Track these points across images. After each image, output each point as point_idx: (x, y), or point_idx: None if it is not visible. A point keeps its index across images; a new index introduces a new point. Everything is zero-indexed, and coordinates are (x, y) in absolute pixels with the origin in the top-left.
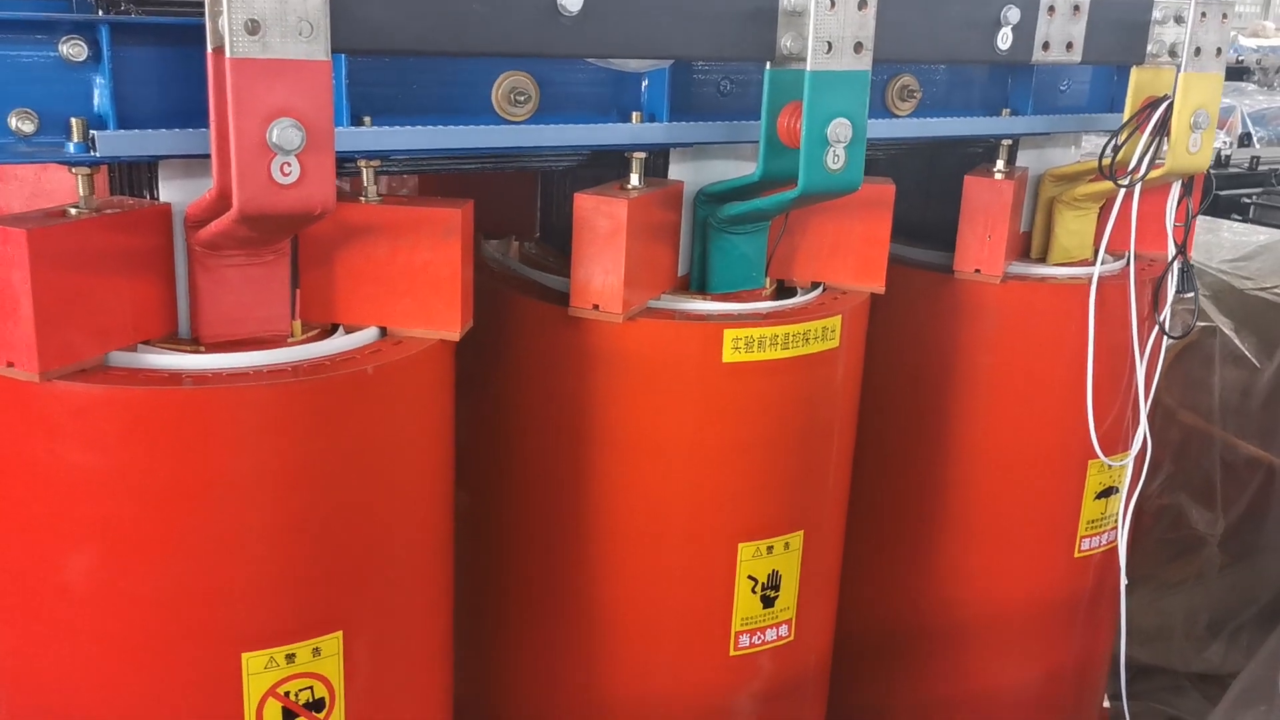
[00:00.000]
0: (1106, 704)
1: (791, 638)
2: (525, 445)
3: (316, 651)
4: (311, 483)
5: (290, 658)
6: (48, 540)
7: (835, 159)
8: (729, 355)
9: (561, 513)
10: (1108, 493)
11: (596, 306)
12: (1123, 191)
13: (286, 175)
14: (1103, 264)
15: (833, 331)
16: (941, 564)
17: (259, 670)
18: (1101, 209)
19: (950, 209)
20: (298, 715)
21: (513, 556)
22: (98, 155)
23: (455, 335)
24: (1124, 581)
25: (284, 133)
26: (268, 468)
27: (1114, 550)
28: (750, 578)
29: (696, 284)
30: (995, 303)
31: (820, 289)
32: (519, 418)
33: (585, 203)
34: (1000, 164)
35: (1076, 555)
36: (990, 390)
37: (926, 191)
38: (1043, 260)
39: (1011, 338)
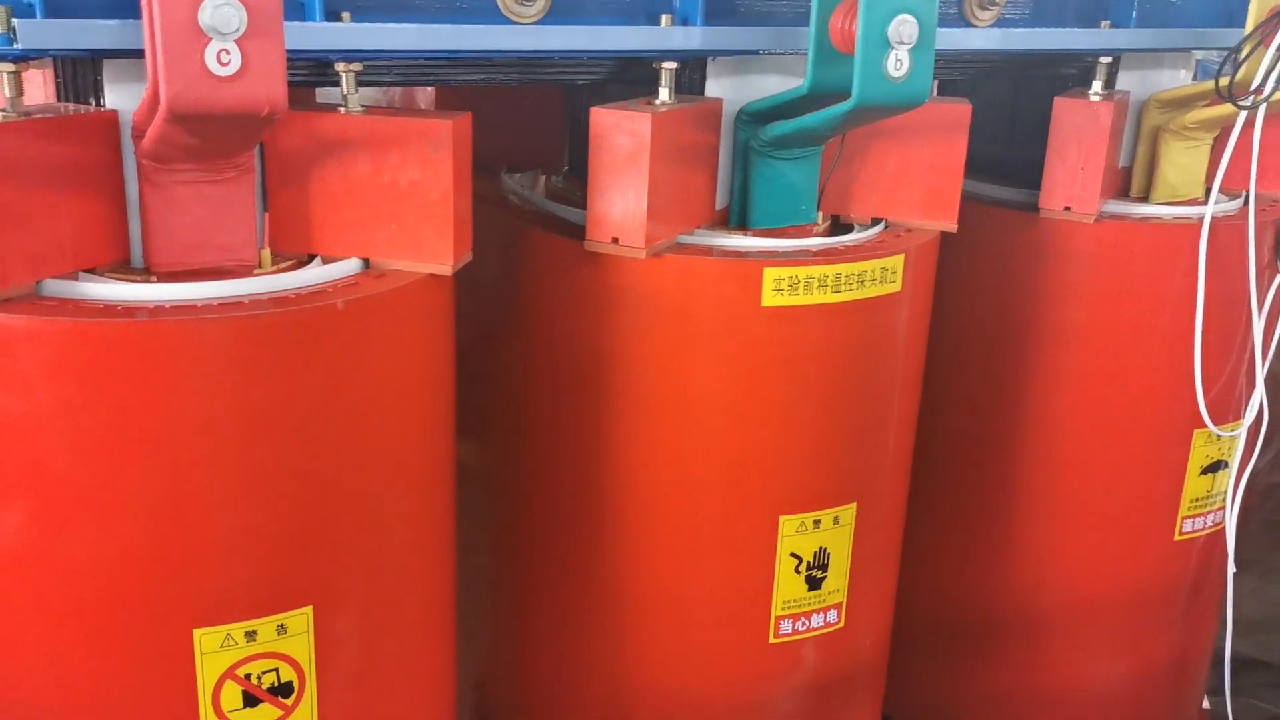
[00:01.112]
0: (1206, 703)
1: (841, 625)
2: (543, 403)
3: (281, 629)
4: (273, 434)
5: (250, 635)
6: None
7: (897, 65)
8: (769, 299)
9: (581, 479)
10: (1215, 467)
11: (616, 240)
12: (1242, 117)
13: (224, 65)
14: (1216, 204)
15: (894, 273)
16: (1020, 545)
17: (214, 649)
18: (1215, 140)
19: (1037, 145)
20: (261, 701)
21: (531, 526)
22: (20, 48)
23: (447, 269)
24: (1231, 569)
25: (219, 11)
26: (219, 415)
27: (1220, 533)
28: (793, 555)
29: (737, 219)
30: (1087, 246)
31: (881, 226)
32: (537, 370)
33: (603, 118)
34: (1097, 85)
35: (1177, 538)
36: (1080, 347)
37: (1010, 124)
38: (1144, 200)
39: (1106, 287)
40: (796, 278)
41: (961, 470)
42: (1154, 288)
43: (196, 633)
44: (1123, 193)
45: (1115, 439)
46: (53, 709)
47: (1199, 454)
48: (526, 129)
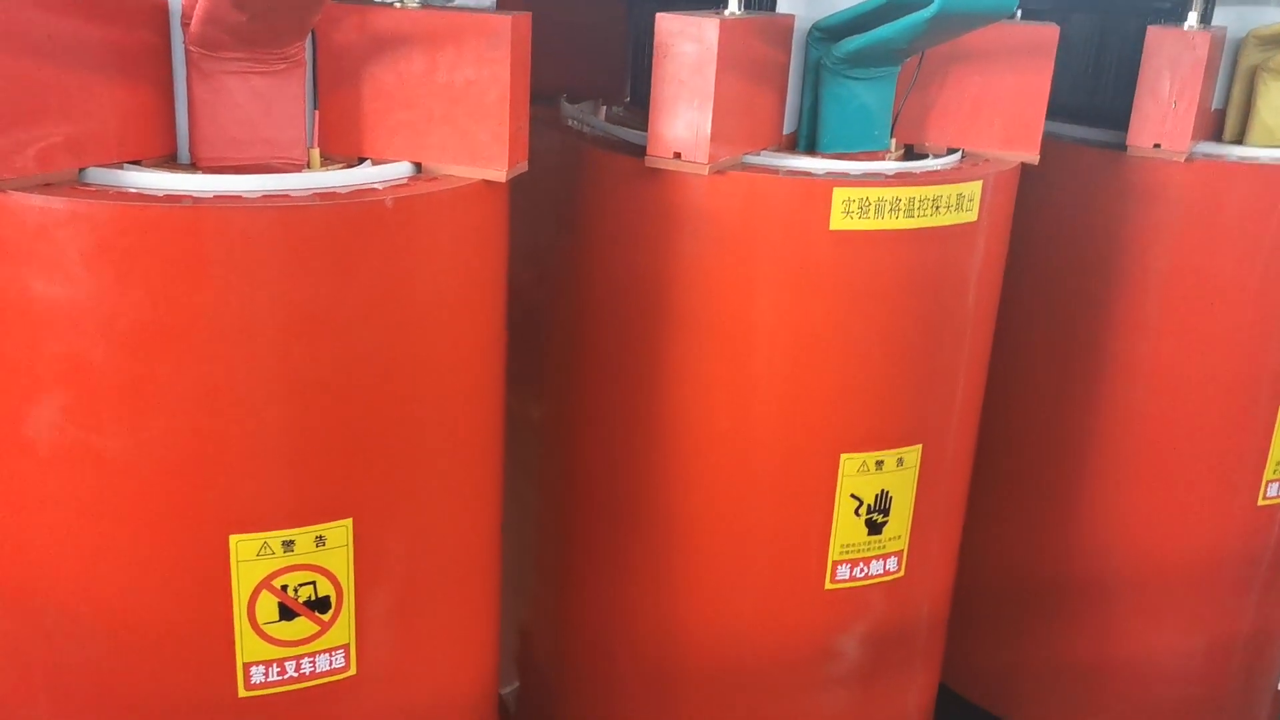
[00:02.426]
0: None
1: (901, 573)
2: (597, 334)
3: (320, 540)
4: (318, 335)
5: (288, 545)
6: (7, 384)
7: None
8: (838, 221)
9: (634, 413)
10: None
11: (678, 155)
12: None
13: None
14: None
15: (970, 201)
16: (1091, 503)
17: (250, 557)
18: None
19: (1126, 89)
20: (297, 614)
21: (579, 466)
22: None
23: (501, 175)
24: None
25: None
26: (262, 312)
27: None
28: (854, 497)
29: (805, 143)
30: (1177, 187)
31: (958, 155)
32: (592, 299)
33: (669, 24)
34: (1193, 18)
35: (1260, 503)
36: (1165, 296)
37: (1097, 67)
38: (1239, 143)
39: (1195, 232)
40: (868, 200)
41: (1034, 423)
42: (1247, 235)
43: (233, 539)
44: (1215, 136)
45: (1198, 395)
46: (86, 611)
47: None
48: (588, 59)
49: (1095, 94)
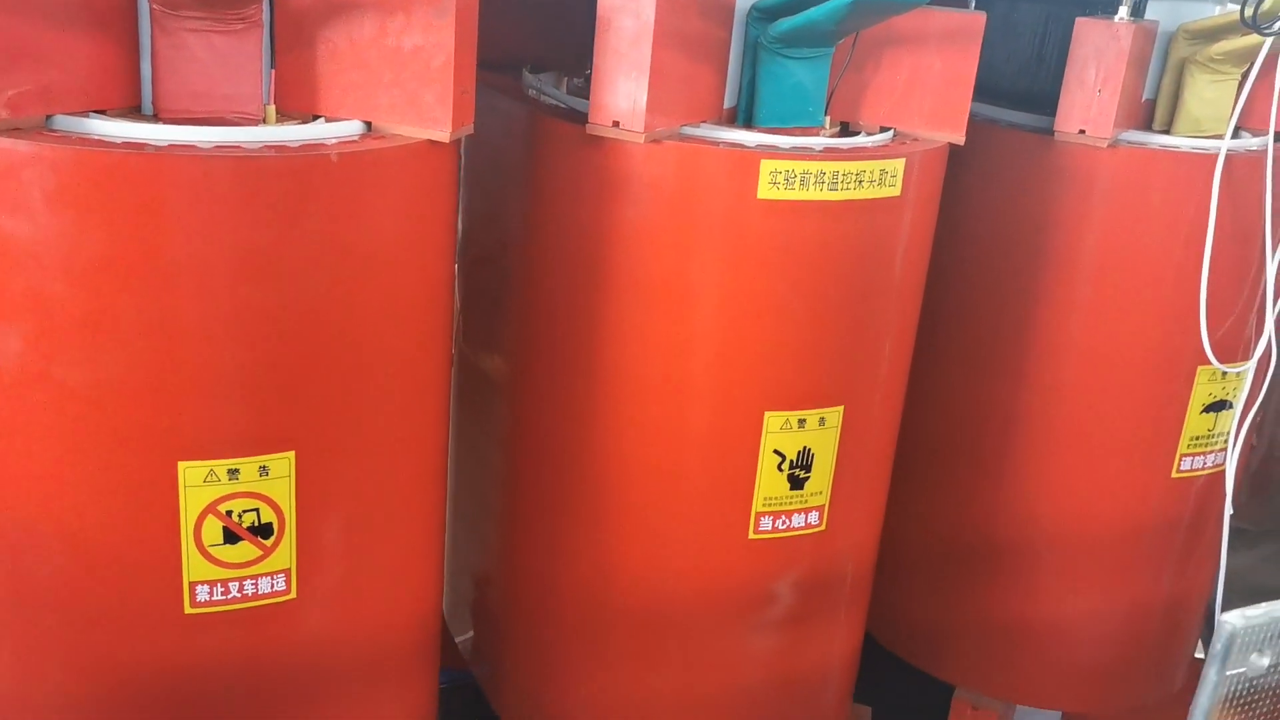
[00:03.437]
0: (1200, 653)
1: (823, 527)
2: (547, 288)
3: (264, 470)
4: (264, 277)
5: (233, 473)
6: None
7: None
8: (765, 191)
9: (577, 364)
10: (1218, 406)
11: (617, 124)
12: (1265, 50)
13: None
14: (1238, 140)
15: (893, 177)
16: (1018, 472)
17: (197, 483)
18: (1244, 76)
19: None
20: (241, 539)
21: (529, 412)
22: None
23: (445, 136)
24: (1229, 511)
25: None
26: (213, 254)
27: (1220, 475)
28: (777, 453)
29: (744, 117)
30: (1101, 172)
31: (890, 135)
32: (543, 255)
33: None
34: (1124, 11)
35: (1174, 475)
36: (1089, 276)
37: (1039, 55)
38: (1166, 132)
39: (1119, 215)
40: (793, 172)
41: (964, 394)
42: (1167, 220)
43: (181, 465)
44: (1146, 125)
45: (1118, 370)
46: (46, 527)
47: (1201, 391)
48: (554, 32)
49: (1037, 81)
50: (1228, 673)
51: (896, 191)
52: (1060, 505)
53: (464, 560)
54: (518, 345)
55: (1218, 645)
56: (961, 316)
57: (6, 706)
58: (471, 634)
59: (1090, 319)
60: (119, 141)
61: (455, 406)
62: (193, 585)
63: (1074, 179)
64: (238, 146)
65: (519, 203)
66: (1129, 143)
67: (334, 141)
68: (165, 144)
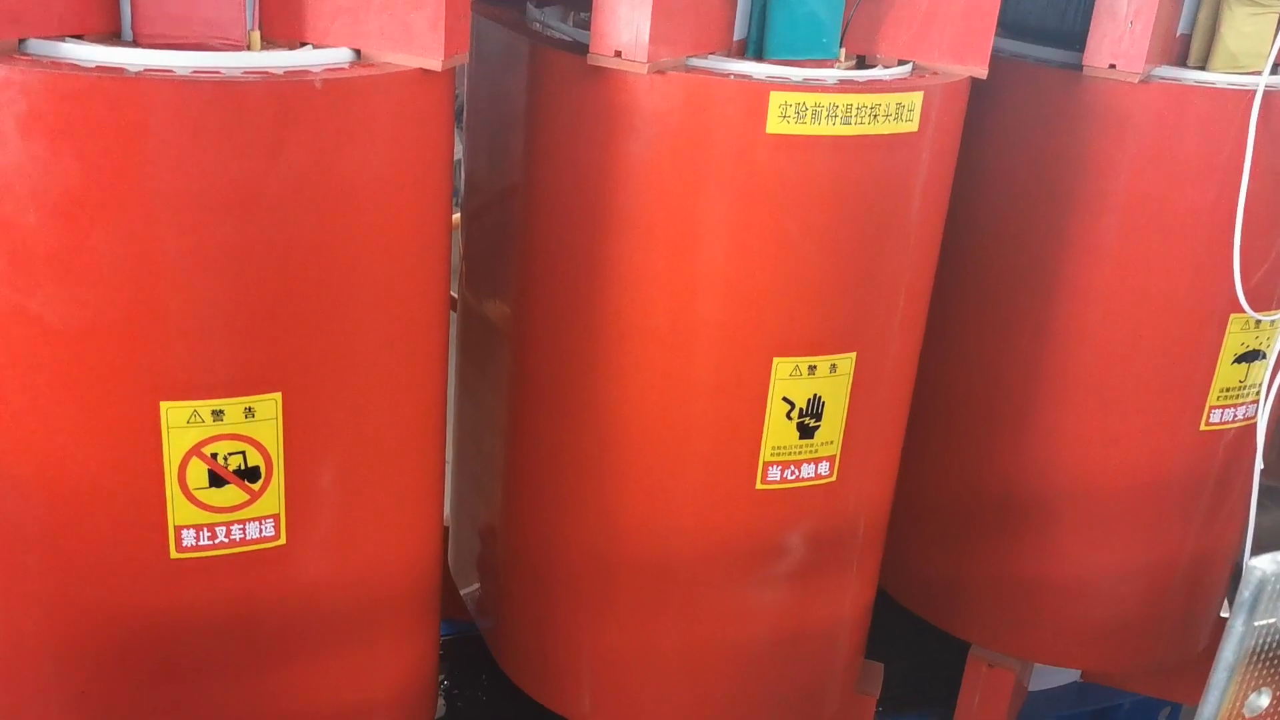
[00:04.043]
0: (1226, 612)
1: (833, 478)
2: (548, 228)
3: (249, 412)
4: (246, 210)
5: (217, 415)
6: None
7: None
8: (775, 125)
9: (578, 308)
10: (1250, 357)
11: (619, 54)
12: None
13: None
14: (1275, 76)
15: (911, 111)
16: (1039, 423)
17: (180, 424)
18: None
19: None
20: (227, 482)
21: (530, 359)
22: None
23: (437, 64)
24: (1259, 466)
25: None
26: (192, 184)
27: (1251, 429)
28: (786, 400)
29: (754, 49)
30: (1132, 109)
31: (908, 68)
32: (544, 194)
33: None
34: None
35: (1203, 428)
36: (1117, 219)
37: None
38: (1203, 68)
39: (1149, 155)
40: (804, 105)
41: (984, 342)
42: (1201, 160)
43: (164, 406)
44: (1179, 61)
45: (1146, 317)
46: (28, 469)
47: (1233, 340)
48: None
49: (1066, 15)
50: (1256, 623)
51: (914, 127)
52: (1082, 458)
53: (469, 513)
54: (520, 291)
55: (1245, 593)
56: (982, 260)
57: (1, 650)
58: (477, 587)
59: (1117, 264)
60: (93, 66)
61: (458, 358)
62: (178, 529)
63: (1103, 117)
64: (217, 71)
65: (521, 143)
66: (1162, 79)
67: (320, 69)
68: (141, 68)
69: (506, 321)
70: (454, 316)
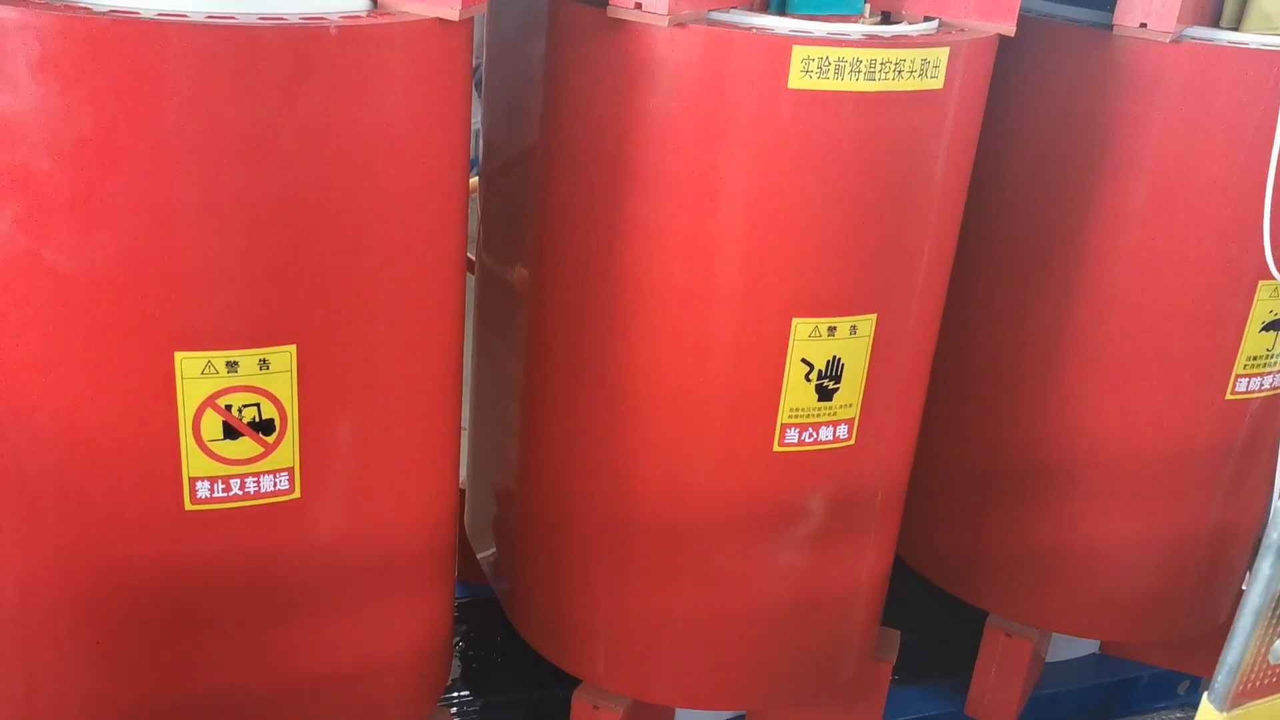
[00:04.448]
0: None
1: (852, 442)
2: (566, 185)
3: (264, 364)
4: (260, 159)
5: (231, 366)
6: None
7: None
8: (797, 80)
9: (595, 265)
10: (1278, 325)
11: (639, 5)
12: None
13: None
14: None
15: (936, 68)
16: (1061, 390)
17: (194, 375)
18: None
19: None
20: (241, 434)
21: (547, 318)
22: None
23: (454, 14)
24: None
25: None
26: (207, 130)
27: (1278, 398)
28: (804, 362)
29: (777, 3)
30: (1163, 70)
31: (934, 24)
32: (562, 150)
33: None
34: None
35: (1229, 397)
36: (1144, 181)
37: None
38: (1235, 28)
39: (1179, 117)
40: (827, 59)
41: (1007, 306)
42: (1232, 122)
43: (178, 356)
44: (1212, 20)
45: (1172, 283)
46: (43, 418)
47: (1261, 308)
48: None
49: None
50: None
51: (939, 84)
52: (1105, 426)
53: (485, 476)
54: (537, 252)
55: (1273, 534)
56: (1006, 222)
57: (11, 603)
58: (493, 551)
59: (1145, 228)
60: (106, 10)
61: (476, 322)
62: (193, 481)
63: (1133, 77)
64: (232, 17)
65: (539, 101)
66: (1194, 39)
67: (336, 16)
68: (155, 13)
69: (524, 283)
70: (472, 281)
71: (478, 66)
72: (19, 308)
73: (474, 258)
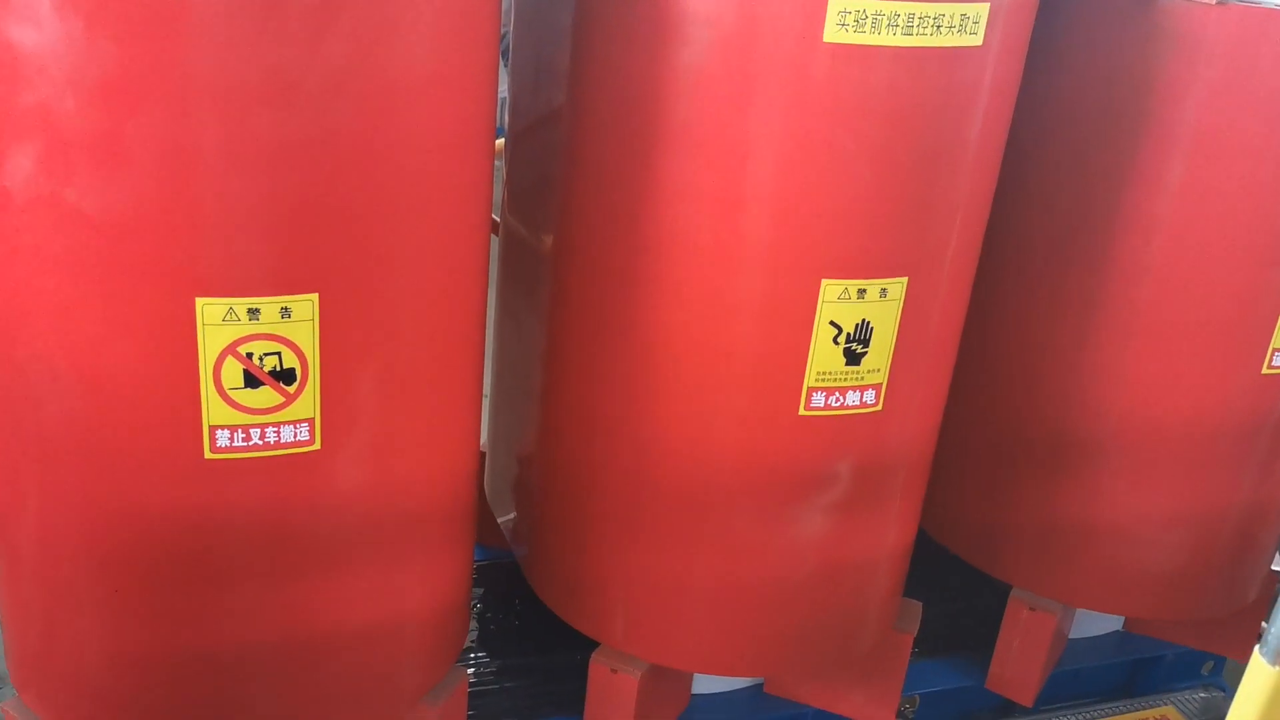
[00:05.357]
0: (1277, 566)
1: (879, 408)
2: (589, 146)
3: (285, 312)
4: (284, 101)
5: (253, 313)
6: None
7: None
8: (832, 34)
9: (621, 223)
10: None
11: None
12: None
13: None
14: None
15: (975, 24)
16: (1093, 360)
17: (216, 321)
18: None
19: None
20: (262, 383)
21: (570, 276)
22: None
23: None
24: None
25: None
26: (227, 71)
27: None
28: (833, 324)
29: None
30: (1207, 33)
31: None
32: (586, 109)
33: None
34: None
35: (1265, 371)
36: (1185, 147)
37: None
38: None
39: (1223, 82)
40: (864, 12)
41: (1040, 273)
42: (1276, 88)
43: (199, 301)
44: None
45: (1210, 254)
46: (62, 362)
47: None
48: None
49: None
50: None
51: (978, 41)
52: (1137, 398)
53: (506, 440)
54: (563, 211)
55: None
56: (1041, 187)
57: (30, 550)
58: (513, 515)
59: (1183, 196)
60: None
61: (500, 284)
62: (213, 429)
63: (1176, 40)
64: None
65: (567, 57)
66: (1240, 1)
67: None
68: None
69: (549, 243)
70: (496, 243)
71: (505, 34)
72: (39, 250)
73: (498, 220)
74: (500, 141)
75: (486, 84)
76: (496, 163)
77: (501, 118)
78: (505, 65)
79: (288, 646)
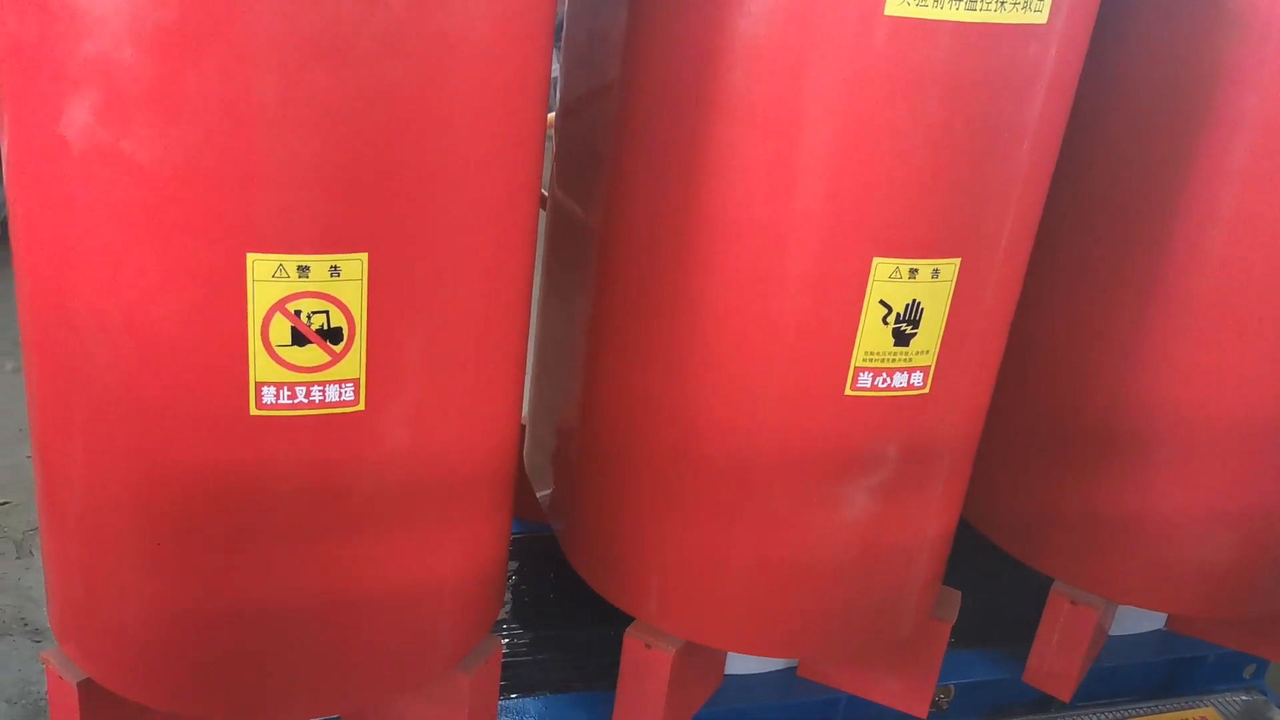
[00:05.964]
0: None
1: (926, 390)
2: (641, 117)
3: (335, 270)
4: (339, 59)
5: (303, 270)
6: (46, 81)
7: None
8: (894, 6)
9: (671, 194)
10: None
11: None
12: None
13: None
14: None
15: (1040, 1)
16: (1148, 350)
17: (266, 277)
18: None
19: None
20: (310, 342)
21: (617, 248)
22: None
23: None
24: None
25: None
26: (284, 26)
27: None
28: (883, 303)
29: None
30: (1275, 18)
31: None
32: (638, 80)
33: None
34: None
35: None
36: (1249, 136)
37: None
38: None
39: None
40: None
41: (1097, 258)
42: None
43: (250, 257)
44: None
45: (1271, 244)
46: (111, 311)
47: None
48: None
49: None
50: None
51: (1043, 19)
52: (1190, 390)
53: (547, 414)
54: (612, 183)
55: None
56: (1100, 172)
57: (76, 501)
58: (551, 490)
59: (1246, 185)
60: None
61: (546, 258)
62: (259, 386)
63: (1244, 26)
64: None
65: (621, 27)
66: None
67: None
68: None
69: (598, 216)
70: (543, 219)
71: (558, 15)
72: (95, 201)
73: (546, 193)
74: (551, 116)
75: (541, 53)
76: (546, 137)
77: (552, 98)
78: (557, 45)
79: (327, 604)
